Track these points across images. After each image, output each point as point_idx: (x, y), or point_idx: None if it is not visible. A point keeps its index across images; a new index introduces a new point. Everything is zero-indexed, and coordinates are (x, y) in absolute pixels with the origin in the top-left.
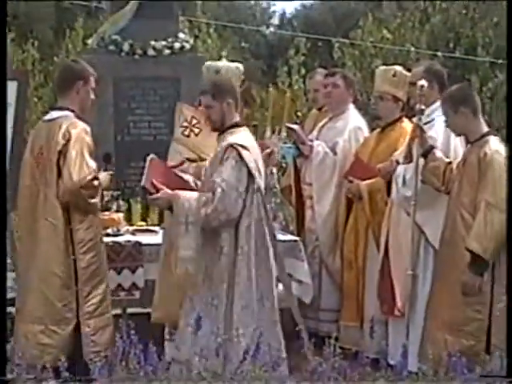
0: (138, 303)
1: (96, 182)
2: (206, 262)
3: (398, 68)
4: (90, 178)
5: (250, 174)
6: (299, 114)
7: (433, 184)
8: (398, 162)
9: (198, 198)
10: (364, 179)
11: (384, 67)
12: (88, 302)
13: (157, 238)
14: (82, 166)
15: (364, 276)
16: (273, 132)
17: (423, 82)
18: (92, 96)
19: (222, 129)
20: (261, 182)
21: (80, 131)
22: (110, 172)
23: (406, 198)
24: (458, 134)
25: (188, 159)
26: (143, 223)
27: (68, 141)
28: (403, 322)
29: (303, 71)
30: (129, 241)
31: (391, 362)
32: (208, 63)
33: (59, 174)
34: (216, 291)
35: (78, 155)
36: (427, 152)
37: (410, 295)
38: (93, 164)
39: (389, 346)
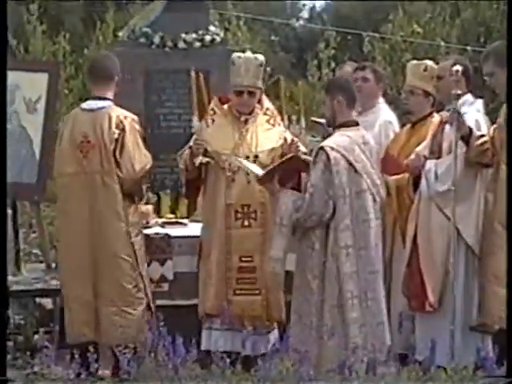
0: (167, 295)
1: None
2: (299, 256)
3: (429, 62)
4: (148, 166)
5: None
6: None
7: (482, 161)
8: (425, 157)
9: (294, 201)
10: (393, 174)
11: (415, 62)
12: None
13: (186, 231)
14: (141, 155)
15: (391, 271)
16: (289, 121)
17: (458, 67)
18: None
19: (333, 126)
20: (357, 183)
21: (131, 121)
22: None
23: (439, 193)
24: (501, 91)
25: (190, 147)
26: (172, 216)
27: (122, 130)
28: (431, 317)
29: (333, 65)
30: (158, 233)
31: (419, 358)
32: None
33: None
34: (309, 285)
35: (135, 145)
36: (468, 135)
37: (441, 290)
38: (147, 152)
39: (416, 342)
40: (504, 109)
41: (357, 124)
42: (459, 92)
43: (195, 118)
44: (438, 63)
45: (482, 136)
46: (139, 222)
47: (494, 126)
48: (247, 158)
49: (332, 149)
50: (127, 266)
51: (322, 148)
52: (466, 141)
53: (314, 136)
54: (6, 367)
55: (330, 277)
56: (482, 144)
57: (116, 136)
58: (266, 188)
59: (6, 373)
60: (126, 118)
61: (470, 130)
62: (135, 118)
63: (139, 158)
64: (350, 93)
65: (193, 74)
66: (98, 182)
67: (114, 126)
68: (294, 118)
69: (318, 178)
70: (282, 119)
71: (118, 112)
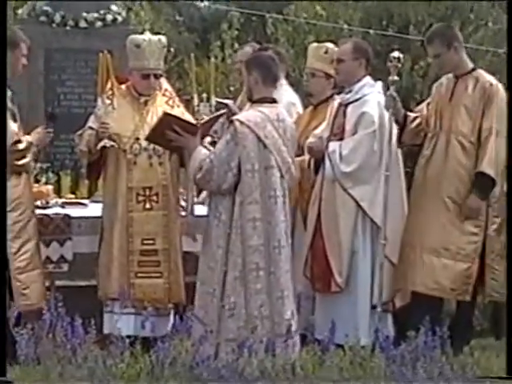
0: (66, 276)
1: (21, 145)
2: (207, 226)
3: (330, 45)
4: (11, 142)
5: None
6: (231, 88)
7: (416, 142)
8: (328, 140)
9: (201, 160)
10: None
11: (316, 44)
12: (18, 257)
13: (86, 211)
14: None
15: (292, 253)
16: (201, 100)
17: (397, 54)
18: (24, 61)
19: (250, 101)
20: (266, 159)
21: None
22: (48, 130)
23: (344, 173)
24: (447, 72)
25: (90, 128)
26: (72, 196)
27: None
28: (333, 297)
29: (236, 45)
30: (57, 213)
31: (318, 337)
32: (130, 37)
33: None
34: (213, 255)
35: None
36: (404, 118)
37: (347, 270)
38: (14, 128)
39: (316, 322)
40: (437, 85)
41: (274, 101)
42: (395, 78)
43: (100, 100)
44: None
45: (416, 118)
46: (21, 197)
47: (428, 101)
48: None
49: (241, 123)
50: None
51: (231, 121)
52: (402, 125)
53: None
54: (5, 367)
55: (233, 249)
56: (417, 126)
57: None
58: (189, 142)
59: (6, 373)
60: None
61: (405, 114)
62: (8, 94)
63: None
64: (266, 69)
65: (100, 54)
66: None
67: None
68: (204, 96)
69: (222, 147)
70: (193, 97)
71: None
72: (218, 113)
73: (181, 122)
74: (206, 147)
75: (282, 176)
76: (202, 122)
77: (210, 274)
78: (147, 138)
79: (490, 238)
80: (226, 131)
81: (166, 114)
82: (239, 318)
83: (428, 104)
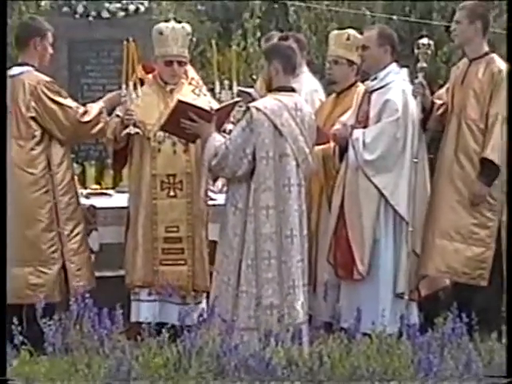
0: (93, 267)
1: (87, 117)
2: (223, 214)
3: (352, 31)
4: (78, 115)
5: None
6: (254, 77)
7: (439, 128)
8: (352, 127)
9: (216, 147)
10: (318, 144)
11: (337, 31)
12: (71, 240)
13: (111, 202)
14: (66, 110)
15: (317, 240)
16: (222, 88)
17: (426, 40)
18: (50, 50)
19: (268, 90)
20: (281, 147)
21: (45, 84)
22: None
23: (367, 161)
24: (459, 45)
25: (117, 115)
26: (97, 186)
27: (39, 98)
28: (357, 285)
29: (258, 34)
30: (83, 204)
31: (344, 326)
32: (156, 25)
33: (41, 127)
34: (229, 243)
35: (56, 104)
36: (431, 104)
37: (369, 259)
38: (73, 103)
39: (341, 310)
40: (454, 69)
41: (293, 90)
42: (424, 65)
43: (124, 87)
44: (361, 33)
45: (442, 105)
46: (71, 181)
47: (446, 86)
48: None
49: (258, 110)
50: (42, 227)
51: (248, 108)
52: (428, 112)
53: (240, 106)
54: (6, 367)
55: (248, 237)
56: (442, 113)
57: (33, 104)
58: (204, 129)
59: (6, 373)
60: (38, 83)
61: (432, 101)
62: (48, 79)
63: (65, 113)
64: (287, 59)
65: (125, 42)
66: (15, 146)
67: (28, 93)
68: (226, 83)
69: (237, 134)
70: (214, 85)
71: (31, 78)
72: (233, 100)
73: (195, 109)
74: (221, 134)
75: (298, 165)
76: (216, 108)
77: (226, 262)
78: (162, 128)
79: (503, 224)
80: (242, 118)
81: (180, 102)
82: (249, 307)
83: (447, 89)
